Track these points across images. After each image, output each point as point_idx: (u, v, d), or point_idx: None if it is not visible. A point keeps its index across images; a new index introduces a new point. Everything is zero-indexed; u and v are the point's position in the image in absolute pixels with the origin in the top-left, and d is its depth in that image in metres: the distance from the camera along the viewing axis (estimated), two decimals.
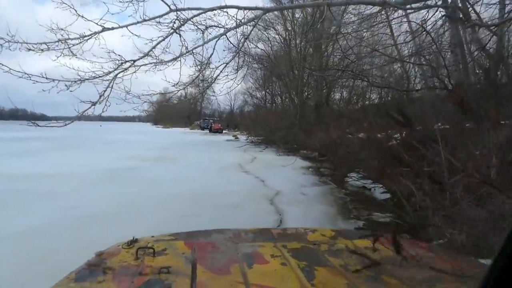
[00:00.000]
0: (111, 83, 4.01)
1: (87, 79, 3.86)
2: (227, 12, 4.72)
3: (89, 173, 9.22)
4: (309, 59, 18.88)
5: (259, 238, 1.55)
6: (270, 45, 24.92)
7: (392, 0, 6.07)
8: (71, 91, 3.74)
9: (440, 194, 4.28)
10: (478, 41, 6.26)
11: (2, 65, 3.71)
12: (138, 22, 4.18)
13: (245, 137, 28.55)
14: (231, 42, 5.45)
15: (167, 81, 4.65)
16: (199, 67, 5.14)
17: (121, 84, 4.64)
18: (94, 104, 3.84)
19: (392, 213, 5.87)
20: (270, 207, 6.25)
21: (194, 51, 5.17)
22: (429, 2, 6.81)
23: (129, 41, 4.63)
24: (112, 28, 4.14)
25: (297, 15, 22.06)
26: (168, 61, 4.96)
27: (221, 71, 5.19)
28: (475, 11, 6.57)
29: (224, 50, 5.05)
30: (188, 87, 6.56)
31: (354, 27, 9.61)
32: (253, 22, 5.11)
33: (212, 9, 4.57)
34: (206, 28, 5.29)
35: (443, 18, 6.47)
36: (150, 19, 4.22)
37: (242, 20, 4.65)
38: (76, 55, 4.13)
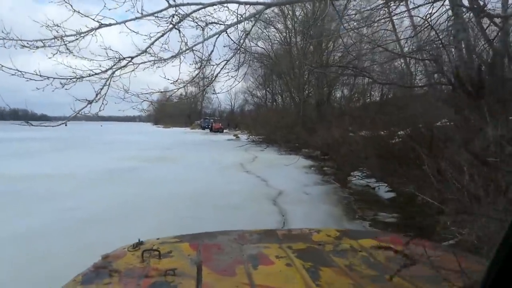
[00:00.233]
0: (108, 81, 3.88)
1: (83, 77, 3.73)
2: (228, 7, 4.59)
3: (88, 174, 9.14)
4: (310, 57, 18.73)
5: (264, 239, 1.55)
6: (270, 43, 24.81)
7: None
8: (66, 89, 3.62)
9: (451, 193, 4.14)
10: (485, 34, 6.11)
11: None
12: (136, 18, 4.06)
13: (246, 136, 28.44)
14: (231, 39, 5.32)
15: (167, 79, 4.53)
16: (199, 64, 4.99)
17: (120, 83, 4.52)
18: (90, 102, 3.71)
19: (398, 213, 5.75)
20: (273, 207, 6.13)
21: (194, 48, 5.03)
22: None
23: (128, 40, 4.52)
24: (110, 25, 4.01)
25: (297, 13, 21.95)
26: (168, 59, 4.83)
27: (221, 68, 5.06)
28: (478, 5, 6.43)
29: (224, 46, 4.93)
30: (188, 86, 6.46)
31: (355, 24, 9.48)
32: (254, 18, 4.98)
33: (212, 4, 4.44)
34: (206, 24, 5.15)
35: (450, 10, 6.32)
36: (148, 15, 4.09)
37: (243, 16, 4.52)
38: (72, 52, 4.01)
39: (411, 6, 9.43)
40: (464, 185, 3.94)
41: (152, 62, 4.42)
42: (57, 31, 3.70)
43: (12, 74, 3.39)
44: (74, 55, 4.21)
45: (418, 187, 6.15)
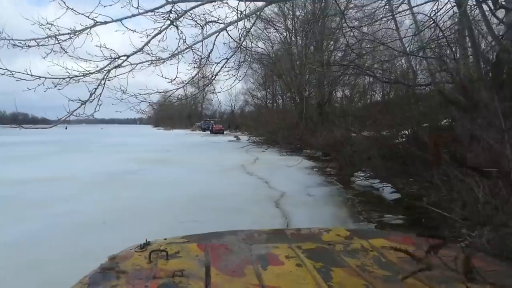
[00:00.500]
0: (103, 81, 3.73)
1: (77, 76, 3.58)
2: (228, 4, 4.45)
3: (87, 177, 9.03)
4: (311, 56, 18.60)
5: (272, 239, 1.53)
6: (270, 43, 24.68)
7: None
8: (59, 89, 3.47)
9: (461, 193, 3.98)
10: (491, 31, 5.95)
11: None
12: (132, 15, 3.90)
13: (246, 137, 28.29)
14: (232, 37, 5.16)
15: (164, 77, 4.37)
16: (198, 63, 4.85)
17: (117, 83, 4.38)
18: (84, 103, 3.56)
19: (404, 215, 5.59)
20: (276, 210, 5.97)
21: (193, 47, 4.88)
22: None
23: (126, 40, 4.36)
24: (105, 22, 3.86)
25: (297, 13, 21.82)
26: (166, 59, 4.68)
27: (222, 67, 4.91)
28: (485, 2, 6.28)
29: (224, 44, 4.76)
30: (187, 86, 6.31)
31: (356, 23, 9.35)
32: (255, 15, 4.83)
33: (212, 0, 4.29)
34: (206, 23, 5.01)
35: (456, 7, 6.17)
36: (145, 12, 3.94)
37: (244, 12, 4.37)
38: (67, 52, 3.86)
39: (413, 3, 9.30)
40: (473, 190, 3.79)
41: (150, 61, 4.26)
42: (49, 29, 3.55)
43: (2, 74, 3.25)
44: (69, 56, 4.07)
45: (424, 188, 6.02)
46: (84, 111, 3.61)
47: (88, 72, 3.67)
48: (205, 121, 55.09)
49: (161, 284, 1.07)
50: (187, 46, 4.77)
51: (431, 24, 7.21)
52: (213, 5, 4.47)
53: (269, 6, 19.12)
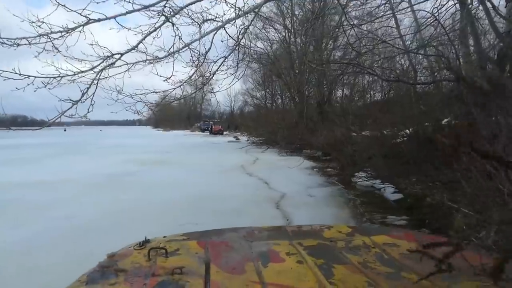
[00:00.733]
0: (96, 80, 3.60)
1: (68, 75, 3.46)
2: (225, 0, 4.32)
3: (86, 180, 8.93)
4: (310, 55, 18.49)
5: (273, 236, 1.51)
6: (269, 43, 24.55)
7: None
8: (49, 89, 3.34)
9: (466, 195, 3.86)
10: (495, 27, 5.84)
11: None
12: (127, 13, 3.78)
13: (246, 138, 28.17)
14: (230, 35, 5.04)
15: (159, 75, 4.25)
16: (196, 62, 4.72)
17: (113, 84, 4.26)
18: (75, 103, 3.44)
19: (407, 215, 5.48)
20: (276, 211, 5.85)
21: (190, 46, 4.76)
22: None
23: (123, 40, 4.24)
24: (99, 20, 3.74)
25: (296, 12, 21.71)
26: (163, 57, 4.56)
27: (220, 65, 4.79)
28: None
29: (222, 41, 4.65)
30: (186, 86, 6.18)
31: (356, 21, 9.22)
32: (254, 12, 4.71)
33: None
34: (203, 21, 4.89)
35: (458, 4, 6.05)
36: (140, 9, 3.82)
37: (242, 9, 4.25)
38: (59, 50, 3.73)
39: (414, 1, 9.20)
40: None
41: (146, 61, 4.14)
42: (40, 26, 3.43)
43: None
44: (63, 55, 3.95)
45: (428, 187, 5.90)
46: (76, 111, 3.48)
47: (80, 71, 3.54)
48: (205, 122, 55.02)
49: (160, 281, 1.05)
50: (184, 44, 4.65)
51: (433, 21, 7.11)
52: (210, 2, 4.35)
53: (268, 5, 18.98)
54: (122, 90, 4.37)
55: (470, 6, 5.94)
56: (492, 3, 5.89)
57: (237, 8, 4.28)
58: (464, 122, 6.40)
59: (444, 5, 6.31)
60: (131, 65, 4.35)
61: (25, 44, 3.53)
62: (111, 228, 4.81)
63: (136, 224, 4.96)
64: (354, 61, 8.01)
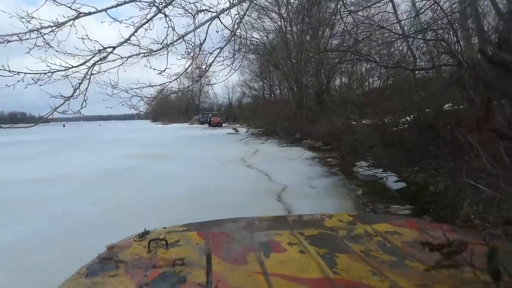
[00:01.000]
0: (88, 74, 3.50)
1: (59, 71, 3.36)
2: None
3: (84, 175, 8.88)
4: (307, 44, 18.28)
5: (274, 226, 1.50)
6: (265, 33, 24.28)
7: None
8: (40, 85, 3.25)
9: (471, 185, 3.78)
10: (496, 6, 5.71)
11: None
12: (118, 5, 3.67)
13: (245, 129, 28.07)
14: (225, 26, 4.92)
15: (154, 69, 4.14)
16: (191, 54, 4.61)
17: (107, 79, 4.15)
18: (67, 99, 3.35)
19: (411, 205, 5.41)
20: (278, 204, 5.78)
21: (185, 38, 4.64)
22: None
23: (117, 34, 4.11)
24: (90, 13, 3.62)
25: (291, 0, 21.41)
26: (157, 50, 4.45)
27: (216, 56, 4.68)
28: None
29: (217, 32, 4.53)
30: (182, 78, 6.07)
31: (353, 8, 9.06)
32: (249, 1, 4.59)
33: None
34: (197, 12, 4.77)
35: None
36: (131, 1, 3.70)
37: None
38: (51, 45, 3.62)
39: None
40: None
41: (139, 54, 4.03)
42: (29, 21, 3.32)
43: None
44: (56, 51, 3.85)
45: (430, 175, 5.83)
46: (69, 107, 3.39)
47: (71, 66, 3.44)
48: (203, 114, 54.89)
49: (161, 273, 1.04)
50: (178, 36, 4.53)
51: (431, 5, 6.96)
52: None
53: None
54: (117, 85, 4.27)
55: None
56: None
57: None
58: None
59: None
60: (125, 59, 4.24)
61: (15, 40, 3.42)
62: (111, 225, 4.72)
63: (136, 220, 4.88)
64: (351, 49, 7.87)
